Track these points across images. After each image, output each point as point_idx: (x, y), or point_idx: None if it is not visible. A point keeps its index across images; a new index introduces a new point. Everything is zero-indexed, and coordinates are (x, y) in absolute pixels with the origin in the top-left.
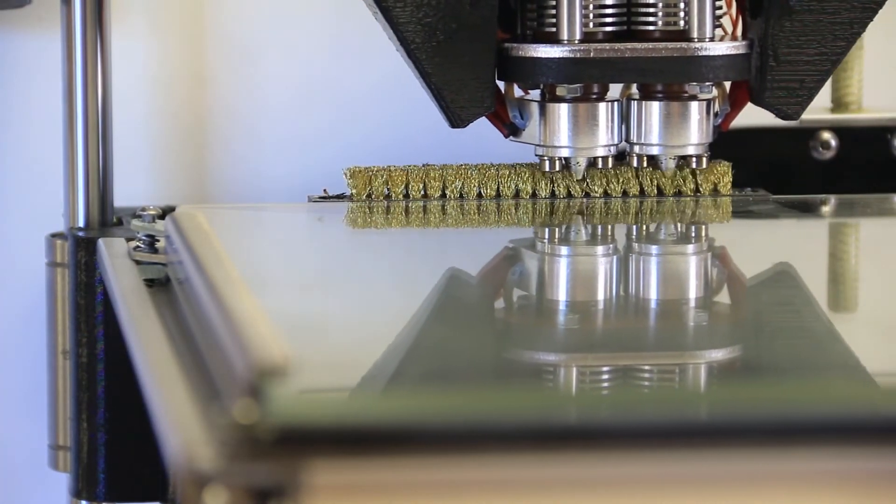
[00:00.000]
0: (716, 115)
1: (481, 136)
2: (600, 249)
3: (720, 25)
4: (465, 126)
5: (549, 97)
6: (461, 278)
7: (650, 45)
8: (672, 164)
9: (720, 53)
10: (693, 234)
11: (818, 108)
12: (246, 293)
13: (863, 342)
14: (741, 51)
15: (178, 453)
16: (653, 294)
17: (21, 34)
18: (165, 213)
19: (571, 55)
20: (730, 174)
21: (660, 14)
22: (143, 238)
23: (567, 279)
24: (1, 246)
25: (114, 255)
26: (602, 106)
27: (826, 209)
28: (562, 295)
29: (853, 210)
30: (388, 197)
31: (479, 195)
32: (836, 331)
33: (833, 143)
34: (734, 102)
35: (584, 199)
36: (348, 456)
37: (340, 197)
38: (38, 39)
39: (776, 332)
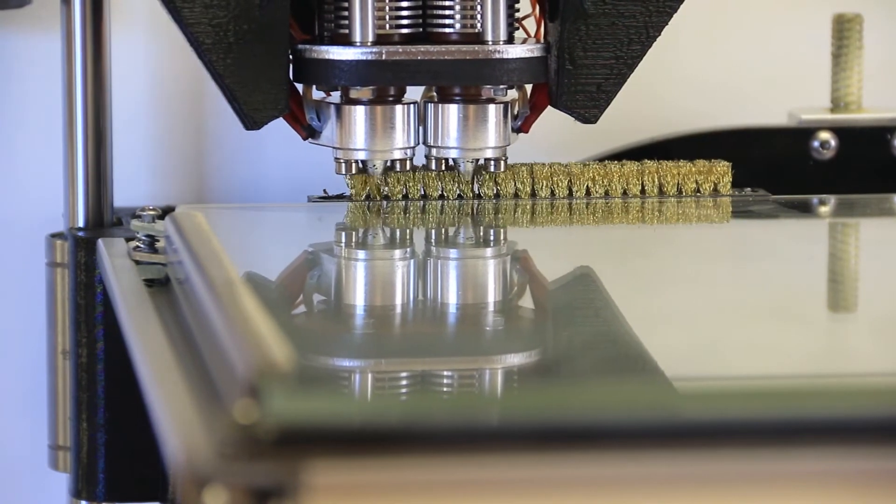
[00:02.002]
0: (515, 117)
1: None
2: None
3: (520, 28)
4: (259, 128)
5: (345, 99)
6: (458, 278)
7: (444, 47)
8: (470, 167)
9: (515, 56)
10: (691, 236)
11: (818, 108)
12: (246, 293)
13: (862, 342)
14: (537, 54)
15: (178, 453)
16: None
17: (21, 34)
18: (165, 213)
19: (364, 57)
20: (730, 174)
21: (455, 17)
22: (143, 238)
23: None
24: (1, 246)
25: (113, 255)
26: (398, 108)
27: (826, 209)
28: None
29: (853, 210)
30: (386, 197)
31: (477, 196)
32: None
33: (833, 142)
34: (534, 105)
35: (583, 199)
36: (348, 456)
37: (340, 197)
38: (38, 39)
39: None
